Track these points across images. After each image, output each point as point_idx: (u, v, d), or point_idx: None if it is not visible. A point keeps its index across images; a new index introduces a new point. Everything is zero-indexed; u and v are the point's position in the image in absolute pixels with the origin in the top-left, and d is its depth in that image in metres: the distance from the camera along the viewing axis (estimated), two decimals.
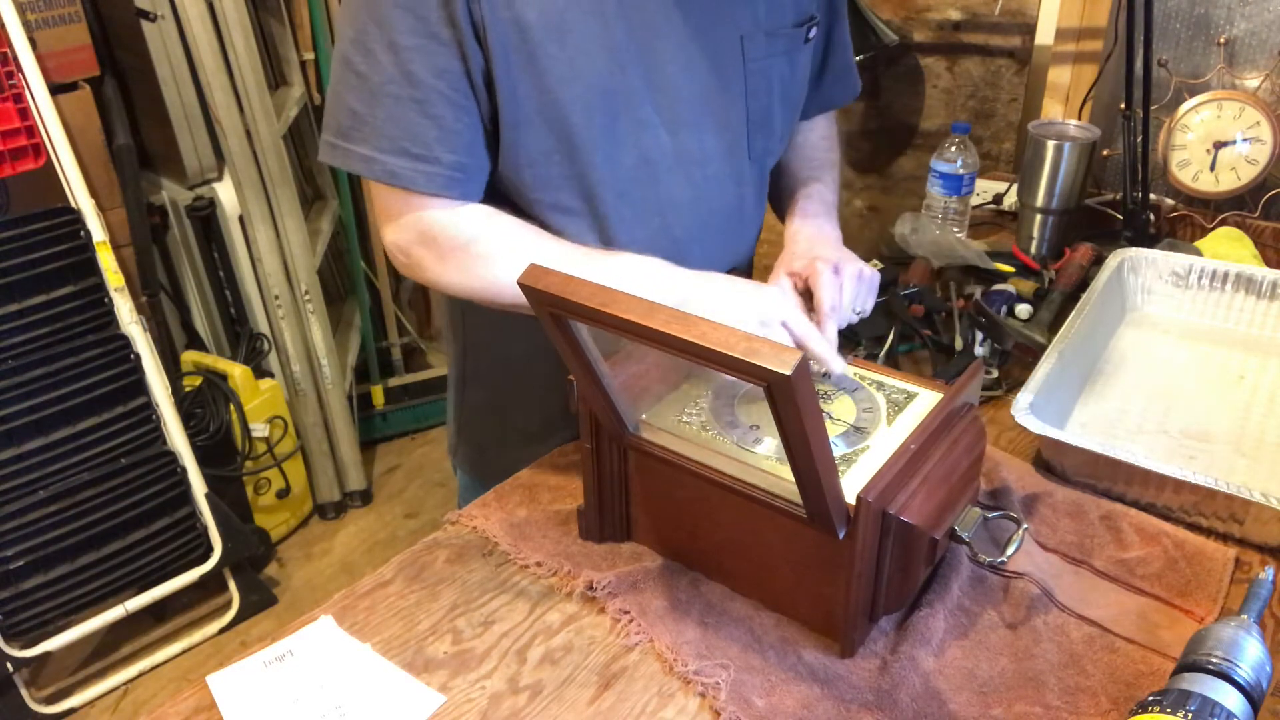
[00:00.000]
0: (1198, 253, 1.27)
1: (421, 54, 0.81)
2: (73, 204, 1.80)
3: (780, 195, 1.10)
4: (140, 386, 1.90)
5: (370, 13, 0.81)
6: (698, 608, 0.80)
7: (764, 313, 0.85)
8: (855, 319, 0.94)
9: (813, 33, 0.99)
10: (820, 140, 1.14)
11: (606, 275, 0.80)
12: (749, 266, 1.10)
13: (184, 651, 2.06)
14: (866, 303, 0.94)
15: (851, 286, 0.92)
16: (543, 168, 0.89)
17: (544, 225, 0.93)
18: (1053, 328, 1.15)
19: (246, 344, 2.36)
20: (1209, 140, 1.40)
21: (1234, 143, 1.38)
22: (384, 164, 0.84)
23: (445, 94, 0.83)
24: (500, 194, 0.93)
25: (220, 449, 2.20)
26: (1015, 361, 1.15)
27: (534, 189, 0.91)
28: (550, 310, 0.66)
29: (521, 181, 0.90)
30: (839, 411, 0.82)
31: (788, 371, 0.54)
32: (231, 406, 2.19)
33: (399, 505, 2.58)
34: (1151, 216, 1.37)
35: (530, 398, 1.07)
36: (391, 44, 0.81)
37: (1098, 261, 1.29)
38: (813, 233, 1.01)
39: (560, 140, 0.87)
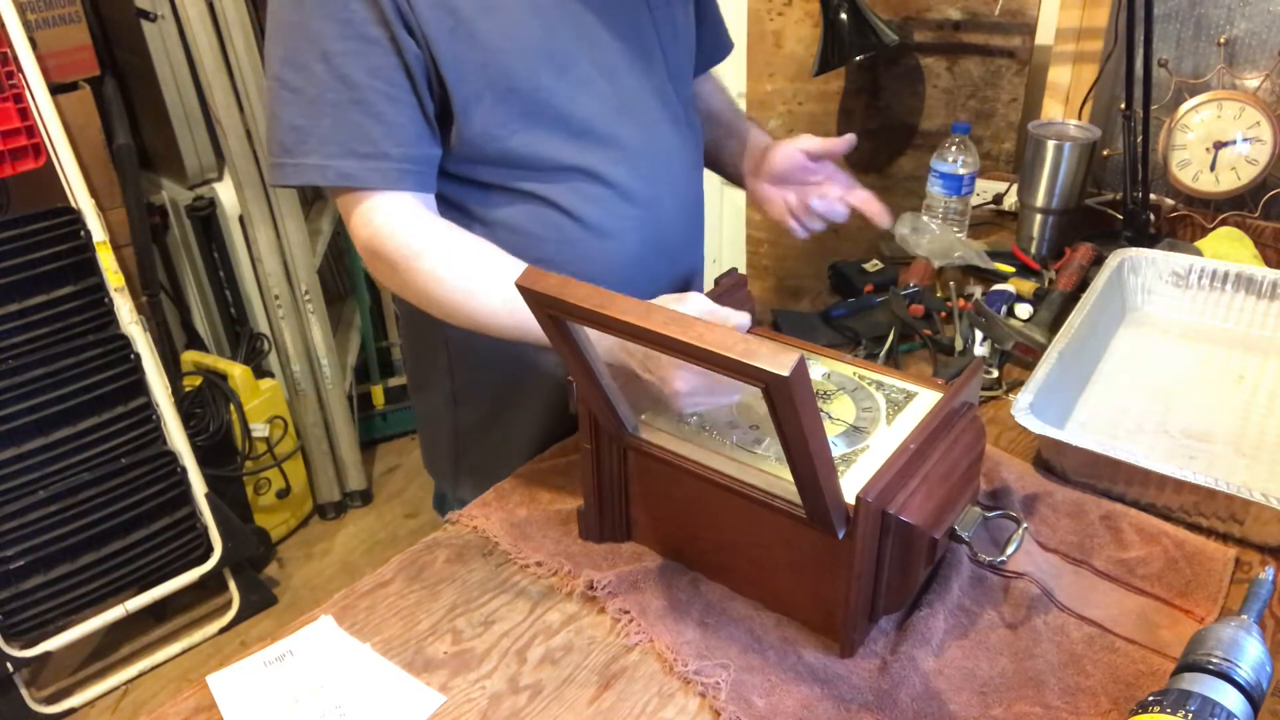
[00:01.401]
0: (1198, 253, 1.27)
1: (354, 56, 0.83)
2: (73, 204, 1.80)
3: (729, 150, 1.19)
4: (140, 386, 1.90)
5: (298, 30, 0.83)
6: (698, 608, 0.80)
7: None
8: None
9: None
10: (728, 105, 1.23)
11: None
12: (701, 224, 1.13)
13: (184, 651, 2.06)
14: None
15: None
16: (505, 141, 0.91)
17: (523, 195, 0.94)
18: (1053, 328, 1.15)
19: (246, 344, 2.36)
20: (1209, 140, 1.40)
21: (1234, 143, 1.38)
22: (336, 168, 0.86)
23: (383, 91, 0.84)
24: (474, 182, 0.94)
25: (220, 449, 2.20)
26: (1015, 361, 1.15)
27: (501, 164, 0.93)
28: (548, 312, 0.66)
29: (486, 157, 0.92)
30: (838, 411, 0.81)
31: (785, 373, 0.54)
32: (231, 406, 2.19)
33: (399, 505, 2.58)
34: (1151, 216, 1.37)
35: (531, 399, 1.07)
36: (324, 54, 0.82)
37: (1098, 261, 1.29)
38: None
39: (513, 107, 0.89)
